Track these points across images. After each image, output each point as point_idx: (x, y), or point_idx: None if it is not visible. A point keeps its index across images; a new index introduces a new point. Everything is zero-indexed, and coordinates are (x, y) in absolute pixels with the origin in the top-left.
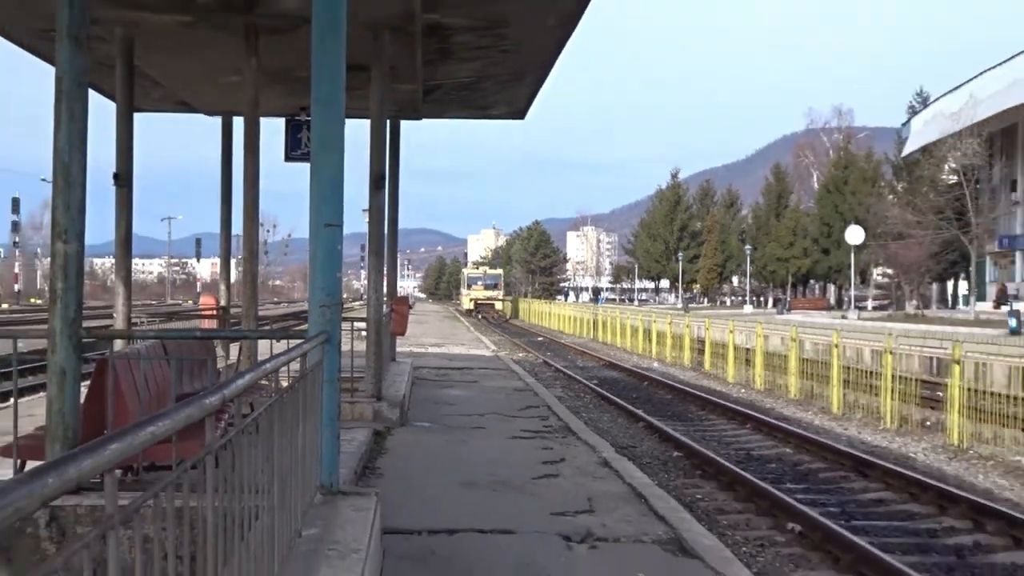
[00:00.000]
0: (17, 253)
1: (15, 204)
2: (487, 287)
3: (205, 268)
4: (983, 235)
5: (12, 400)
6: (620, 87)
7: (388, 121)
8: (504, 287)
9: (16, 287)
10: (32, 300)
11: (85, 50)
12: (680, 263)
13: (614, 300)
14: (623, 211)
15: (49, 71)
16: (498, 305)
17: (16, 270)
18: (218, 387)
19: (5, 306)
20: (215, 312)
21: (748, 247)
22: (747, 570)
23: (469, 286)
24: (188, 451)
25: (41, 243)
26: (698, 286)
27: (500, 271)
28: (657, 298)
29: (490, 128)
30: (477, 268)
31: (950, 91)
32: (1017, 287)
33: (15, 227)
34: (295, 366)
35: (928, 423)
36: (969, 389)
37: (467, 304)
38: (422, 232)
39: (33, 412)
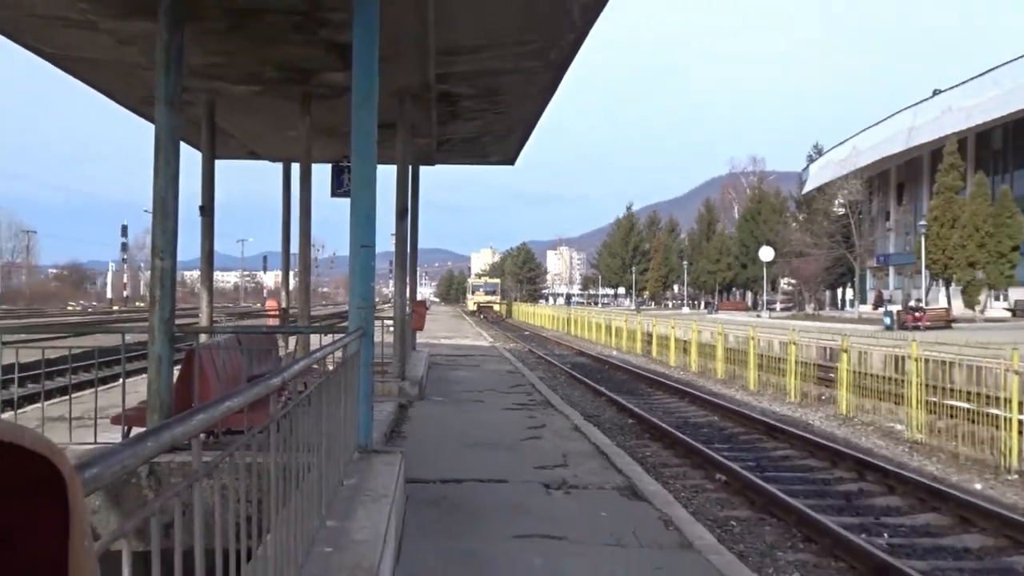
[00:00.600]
0: (125, 267)
1: (124, 230)
2: (487, 293)
3: (270, 279)
4: (864, 254)
5: (121, 381)
6: (588, 138)
7: (409, 166)
8: (500, 293)
9: (125, 293)
10: (137, 303)
11: (178, 112)
12: (633, 275)
13: (583, 303)
14: (590, 235)
15: (146, 126)
16: (496, 307)
17: (124, 280)
18: (279, 371)
19: (116, 308)
20: (278, 312)
21: (685, 262)
22: (684, 510)
23: (473, 292)
24: (256, 419)
25: (144, 259)
26: (647, 292)
27: (498, 280)
28: (616, 302)
29: (488, 171)
30: (479, 278)
31: (838, 144)
32: (890, 293)
33: (124, 247)
34: (339, 354)
35: (823, 397)
36: (854, 371)
37: (471, 306)
38: (435, 251)
39: (137, 390)
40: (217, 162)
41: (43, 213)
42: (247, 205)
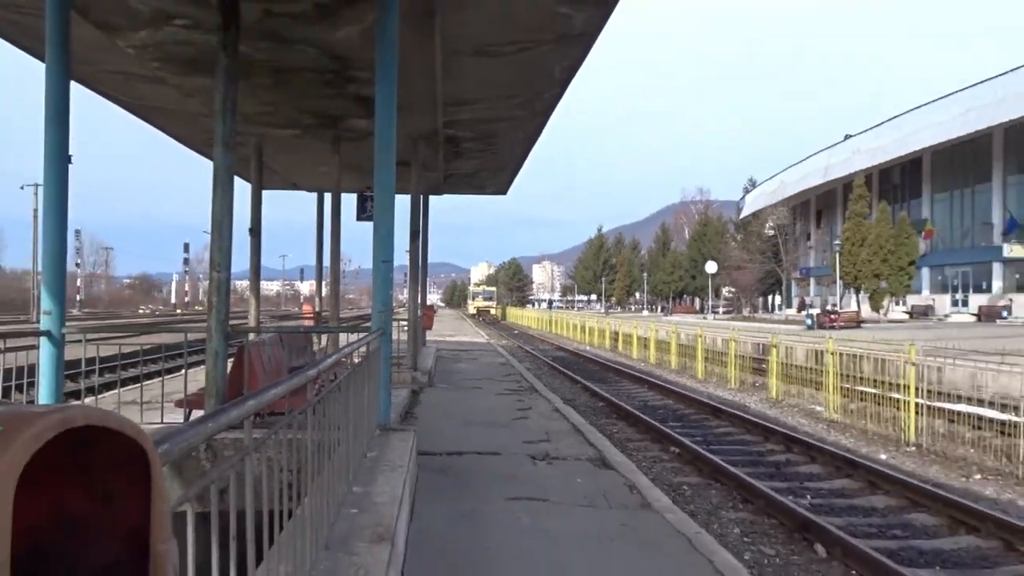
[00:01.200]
0: (187, 277)
1: (186, 247)
2: (485, 299)
3: (305, 287)
4: (790, 267)
5: (184, 371)
6: (568, 171)
7: (421, 196)
8: (496, 299)
9: (186, 299)
10: (196, 307)
11: (232, 152)
12: (603, 284)
13: (562, 307)
14: (568, 251)
15: (204, 162)
16: (492, 311)
17: (186, 288)
18: (314, 364)
19: (179, 311)
20: (312, 315)
21: (645, 274)
22: (645, 477)
23: (473, 298)
24: (296, 403)
25: (202, 271)
26: (615, 298)
27: (494, 288)
28: (589, 306)
29: (485, 199)
30: (479, 286)
31: (769, 178)
32: (811, 299)
33: (186, 261)
34: (363, 349)
35: (757, 384)
36: (782, 363)
37: (472, 310)
38: (442, 264)
39: (196, 379)
40: (264, 192)
41: (120, 232)
42: (287, 226)
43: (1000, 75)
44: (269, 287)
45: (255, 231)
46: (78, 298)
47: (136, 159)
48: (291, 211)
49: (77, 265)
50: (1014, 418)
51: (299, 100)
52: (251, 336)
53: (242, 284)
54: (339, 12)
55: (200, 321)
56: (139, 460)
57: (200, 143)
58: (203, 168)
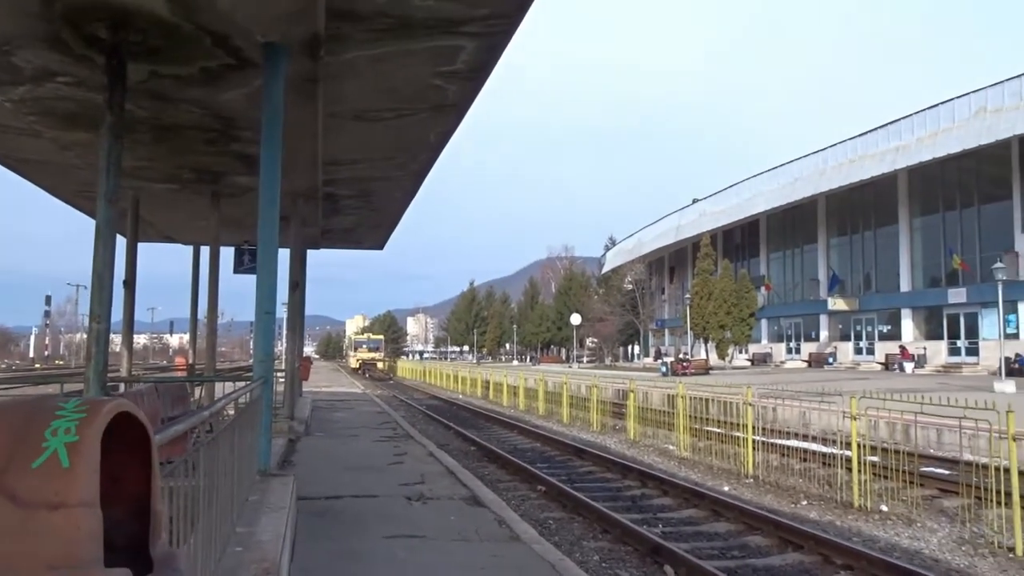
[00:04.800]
0: (48, 330)
1: (48, 299)
2: (371, 349)
3: (175, 340)
4: (647, 319)
5: None
6: (442, 228)
7: (300, 250)
8: (384, 349)
9: (46, 353)
10: (56, 361)
11: (115, 206)
12: (475, 336)
13: (435, 358)
14: (442, 304)
15: (66, 212)
16: (380, 364)
17: (47, 341)
18: (197, 412)
19: (38, 365)
20: (186, 367)
21: (515, 326)
22: (514, 513)
23: (356, 348)
24: (176, 452)
25: (64, 324)
26: (486, 349)
27: (381, 336)
28: (461, 356)
29: (362, 253)
30: (363, 334)
31: (627, 237)
32: (666, 348)
33: (47, 314)
34: (245, 397)
35: (617, 427)
36: (639, 407)
37: (354, 364)
38: (318, 316)
39: None
40: (140, 245)
41: None
42: (155, 278)
43: (820, 150)
44: (137, 340)
45: (129, 283)
46: None
47: None
48: (161, 263)
49: None
50: (834, 451)
51: (179, 156)
52: (123, 386)
53: (113, 337)
54: (225, 76)
55: (61, 374)
56: (142, 444)
57: (72, 195)
58: (67, 219)
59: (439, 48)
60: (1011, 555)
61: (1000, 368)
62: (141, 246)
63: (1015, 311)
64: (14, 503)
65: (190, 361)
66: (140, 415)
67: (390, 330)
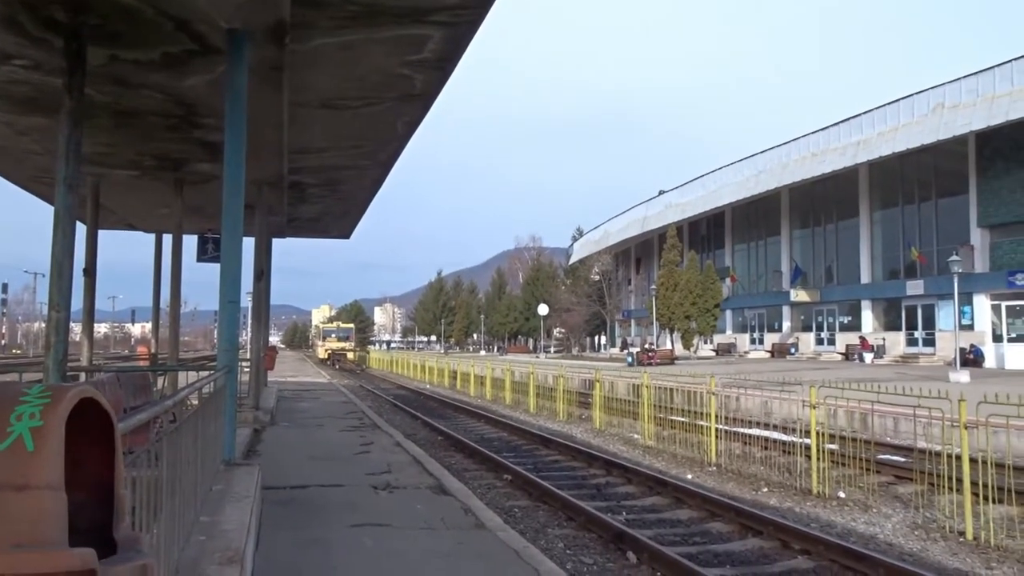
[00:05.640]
0: (4, 319)
1: (3, 287)
2: (340, 339)
3: (136, 329)
4: (613, 309)
5: None
6: (409, 217)
7: (265, 239)
8: (354, 339)
9: (2, 341)
10: (14, 351)
11: (75, 193)
12: (442, 326)
13: (402, 348)
14: (410, 294)
15: (25, 199)
16: (350, 355)
17: (3, 330)
18: (160, 401)
19: None
20: (148, 357)
21: (482, 316)
22: (480, 501)
23: (324, 338)
24: (138, 442)
25: (21, 313)
26: (454, 339)
27: (352, 325)
28: (429, 347)
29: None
30: (331, 323)
31: (594, 228)
32: (632, 339)
33: (3, 303)
34: (209, 387)
35: (583, 416)
36: (605, 396)
37: (322, 354)
38: (283, 306)
39: None
40: (100, 232)
41: None
42: (117, 267)
43: (785, 143)
44: (98, 328)
45: (89, 271)
46: None
47: None
48: (122, 252)
49: None
50: (794, 439)
51: (141, 142)
52: (84, 376)
53: (73, 326)
54: (188, 62)
55: (26, 364)
56: (105, 430)
57: (29, 180)
58: (23, 205)
59: (406, 37)
60: (961, 539)
61: (955, 359)
62: (102, 233)
63: (970, 303)
64: None
65: (153, 350)
66: (103, 401)
67: (357, 319)
